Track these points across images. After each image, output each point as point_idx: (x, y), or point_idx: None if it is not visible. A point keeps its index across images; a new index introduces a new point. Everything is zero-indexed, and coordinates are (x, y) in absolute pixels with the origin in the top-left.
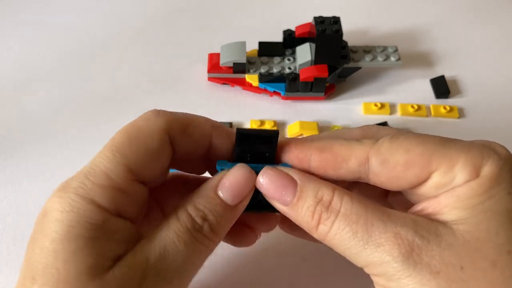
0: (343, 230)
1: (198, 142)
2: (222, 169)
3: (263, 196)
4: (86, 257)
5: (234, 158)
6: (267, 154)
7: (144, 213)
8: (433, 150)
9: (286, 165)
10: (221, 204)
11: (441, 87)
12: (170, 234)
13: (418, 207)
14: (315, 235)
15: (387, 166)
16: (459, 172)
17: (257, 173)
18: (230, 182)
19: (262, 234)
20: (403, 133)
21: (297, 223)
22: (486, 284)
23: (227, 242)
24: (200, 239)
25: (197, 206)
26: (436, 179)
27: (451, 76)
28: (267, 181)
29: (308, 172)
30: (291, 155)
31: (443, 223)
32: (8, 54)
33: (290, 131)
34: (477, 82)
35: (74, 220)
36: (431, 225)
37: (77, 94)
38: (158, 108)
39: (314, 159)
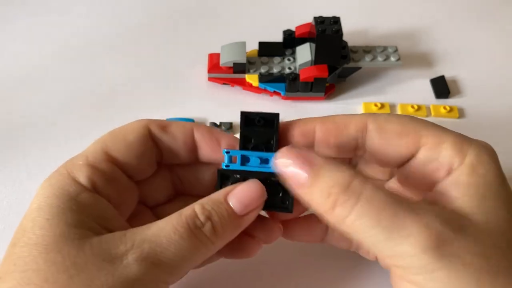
0: (365, 216)
1: (179, 139)
2: (227, 152)
3: (275, 198)
4: (61, 223)
5: (240, 144)
6: (271, 142)
7: (130, 204)
8: (424, 127)
9: None
10: (228, 210)
11: (441, 87)
12: (167, 226)
13: (430, 197)
14: (331, 218)
15: (382, 132)
16: (444, 151)
17: (261, 160)
18: (241, 193)
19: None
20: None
21: (311, 206)
22: (508, 268)
23: (228, 257)
24: (199, 236)
25: (204, 206)
26: (423, 153)
27: (451, 76)
28: (284, 160)
29: (312, 145)
30: (297, 131)
31: (464, 216)
32: (8, 54)
33: None
34: (477, 82)
35: (50, 192)
36: (454, 216)
37: (77, 94)
38: (158, 109)
39: (318, 129)
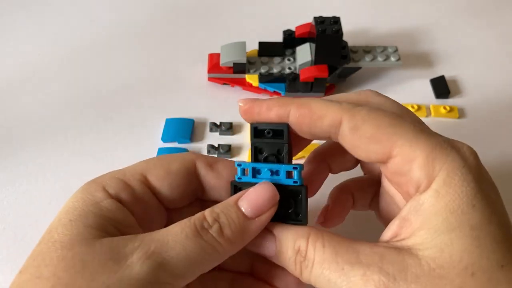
0: (320, 276)
1: (224, 177)
2: (239, 165)
3: (288, 210)
4: (81, 224)
5: (252, 156)
6: (282, 154)
7: (154, 226)
8: (400, 135)
9: (299, 165)
10: (237, 212)
11: (441, 87)
12: (176, 227)
13: (390, 232)
14: (303, 281)
15: (354, 133)
16: (415, 169)
17: (272, 172)
18: (252, 195)
19: None
20: (385, 109)
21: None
22: None
23: None
24: (205, 237)
25: (214, 210)
26: (393, 164)
27: (451, 76)
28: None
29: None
30: (272, 112)
31: (410, 252)
32: (8, 54)
33: None
34: (477, 82)
35: (79, 196)
36: (398, 258)
37: (77, 94)
38: (158, 109)
39: (293, 113)
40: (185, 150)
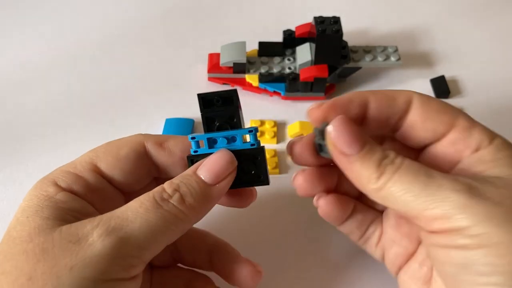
0: (405, 177)
1: (176, 154)
2: (193, 138)
3: (239, 174)
4: (37, 218)
5: (204, 127)
6: (235, 119)
7: (113, 208)
8: (459, 112)
9: (254, 128)
10: (197, 181)
11: (441, 87)
12: (135, 202)
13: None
14: (373, 186)
15: (425, 106)
16: (475, 133)
17: (228, 139)
18: (210, 163)
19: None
20: None
21: (354, 175)
22: None
23: (224, 204)
24: (166, 207)
25: (173, 181)
26: (454, 134)
27: (451, 76)
28: (337, 131)
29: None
30: (356, 101)
31: (491, 177)
32: (8, 53)
33: (290, 131)
34: (477, 82)
35: (33, 194)
36: (482, 177)
37: (77, 94)
38: (158, 109)
39: (371, 99)
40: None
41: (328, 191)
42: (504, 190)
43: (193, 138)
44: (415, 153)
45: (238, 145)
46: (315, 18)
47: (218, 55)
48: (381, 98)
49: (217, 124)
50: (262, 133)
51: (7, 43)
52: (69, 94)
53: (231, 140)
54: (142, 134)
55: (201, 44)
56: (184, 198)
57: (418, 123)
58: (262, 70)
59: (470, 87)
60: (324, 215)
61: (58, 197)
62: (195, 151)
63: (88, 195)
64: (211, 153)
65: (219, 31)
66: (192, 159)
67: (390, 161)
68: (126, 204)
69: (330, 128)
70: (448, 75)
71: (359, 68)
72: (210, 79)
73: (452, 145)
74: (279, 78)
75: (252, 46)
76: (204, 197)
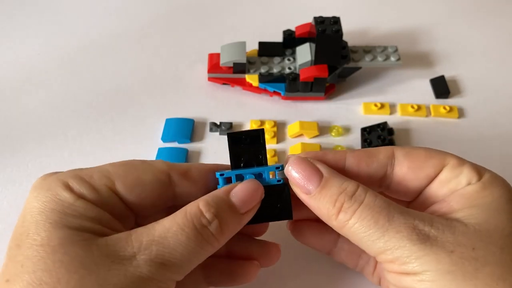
0: (364, 219)
1: (199, 183)
2: (221, 175)
3: (264, 209)
4: (64, 227)
5: (231, 164)
6: (260, 157)
7: (124, 224)
8: (445, 152)
9: (281, 165)
10: (231, 207)
11: (441, 87)
12: (173, 226)
13: (431, 210)
14: (334, 223)
15: (410, 156)
16: (466, 170)
17: (255, 176)
18: (242, 191)
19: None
20: None
21: (316, 212)
22: (495, 263)
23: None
24: (205, 235)
25: (209, 203)
26: (445, 173)
27: (451, 76)
28: (295, 169)
29: (343, 172)
30: (330, 156)
31: (456, 219)
32: (8, 54)
33: (290, 131)
34: (477, 82)
35: (48, 197)
36: (446, 221)
37: (77, 94)
38: (158, 109)
39: (349, 156)
40: (185, 150)
41: (311, 218)
42: (461, 239)
43: (221, 174)
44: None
45: (265, 181)
46: (315, 18)
47: (218, 55)
48: (360, 155)
49: (244, 161)
50: None
51: (7, 43)
52: (69, 94)
53: (258, 176)
54: (164, 161)
55: (201, 44)
56: (222, 227)
57: (408, 175)
58: (262, 70)
59: (470, 87)
60: (299, 240)
61: (78, 204)
62: None
63: (99, 206)
64: None
65: (219, 31)
66: None
67: (349, 196)
68: (163, 225)
69: (288, 169)
70: (448, 75)
71: (359, 68)
72: (210, 79)
73: (444, 185)
74: (279, 78)
75: (252, 46)
76: (235, 225)
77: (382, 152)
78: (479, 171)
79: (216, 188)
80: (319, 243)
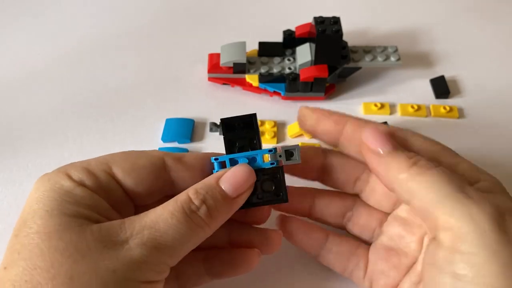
0: (439, 179)
1: (195, 169)
2: (216, 159)
3: (259, 193)
4: (60, 214)
5: (226, 149)
6: (254, 141)
7: (122, 210)
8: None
9: (274, 149)
10: (221, 192)
11: (441, 87)
12: (164, 212)
13: None
14: (404, 175)
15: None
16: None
17: (250, 159)
18: (232, 176)
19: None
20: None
21: (383, 168)
22: None
23: (228, 274)
24: (195, 219)
25: (198, 190)
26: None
27: (451, 76)
28: (371, 134)
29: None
30: (330, 120)
31: None
32: (8, 54)
33: (290, 131)
34: (477, 82)
35: (47, 186)
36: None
37: (77, 94)
38: (158, 109)
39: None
40: (185, 150)
41: (299, 213)
42: None
43: (216, 159)
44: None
45: (258, 165)
46: (315, 18)
47: (218, 55)
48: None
49: (238, 146)
50: (262, 133)
51: (7, 43)
52: (70, 94)
53: (252, 160)
54: (160, 150)
55: (201, 44)
56: (211, 212)
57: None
58: (262, 70)
59: (470, 87)
60: (287, 238)
61: (76, 192)
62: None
63: (98, 192)
64: None
65: (219, 31)
66: None
67: (423, 160)
68: (154, 212)
69: (364, 135)
70: (448, 75)
71: (359, 68)
72: (210, 79)
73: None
74: (279, 78)
75: (252, 46)
76: (225, 210)
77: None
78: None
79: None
80: (307, 243)
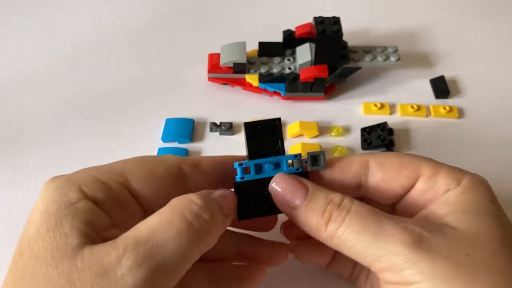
0: (353, 225)
1: (211, 175)
2: (240, 165)
3: (268, 202)
4: (58, 234)
5: (250, 155)
6: (277, 146)
7: (130, 222)
8: (419, 160)
9: (299, 154)
10: (219, 203)
11: (441, 87)
12: (160, 221)
13: (416, 218)
14: (324, 235)
15: (383, 168)
16: (441, 179)
17: (274, 165)
18: (222, 194)
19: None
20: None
21: (304, 226)
22: (491, 270)
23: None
24: (199, 225)
25: (198, 193)
26: (421, 184)
27: (451, 76)
28: (279, 185)
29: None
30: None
31: (444, 225)
32: (8, 54)
33: (290, 131)
34: (477, 82)
35: (52, 197)
36: (435, 224)
37: (77, 94)
38: (158, 109)
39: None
40: (185, 150)
41: (306, 237)
42: (452, 243)
43: (240, 164)
44: (390, 206)
45: (283, 170)
46: (315, 18)
47: (218, 55)
48: (334, 166)
49: (261, 151)
50: None
51: (7, 43)
52: (69, 94)
53: (276, 165)
54: (174, 156)
55: (201, 44)
56: (212, 218)
57: (381, 184)
58: (262, 70)
59: (470, 87)
60: (301, 260)
61: (79, 206)
62: (241, 178)
63: (108, 205)
64: (260, 178)
65: (219, 31)
66: (239, 185)
67: (336, 205)
68: (149, 222)
69: (271, 186)
70: (448, 75)
71: (359, 68)
72: (210, 79)
73: (421, 195)
74: (279, 78)
75: (252, 46)
76: (223, 224)
77: (355, 161)
78: (456, 175)
79: (227, 180)
80: (319, 260)
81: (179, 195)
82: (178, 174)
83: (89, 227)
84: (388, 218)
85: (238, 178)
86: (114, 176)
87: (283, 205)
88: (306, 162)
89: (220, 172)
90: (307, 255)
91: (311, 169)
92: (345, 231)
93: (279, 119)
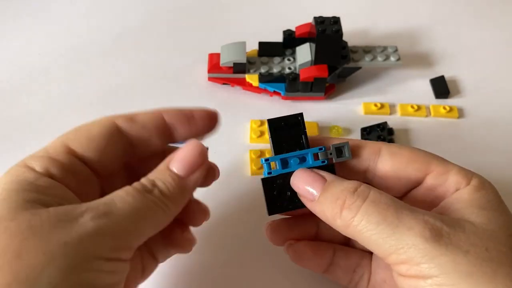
0: (371, 215)
1: (149, 125)
2: (266, 160)
3: (295, 196)
4: (18, 198)
5: (274, 150)
6: (302, 141)
7: (90, 197)
8: (432, 157)
9: (324, 147)
10: (171, 175)
11: (441, 87)
12: (119, 192)
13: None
14: (339, 222)
15: (394, 157)
16: (452, 177)
17: (300, 159)
18: (181, 156)
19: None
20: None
21: (322, 216)
22: (510, 264)
23: (170, 252)
24: (150, 198)
25: (149, 177)
26: (431, 180)
27: (451, 76)
28: (298, 178)
29: None
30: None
31: (463, 219)
32: (9, 54)
33: None
34: (477, 82)
35: (8, 179)
36: (454, 219)
37: (77, 94)
38: (159, 107)
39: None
40: None
41: (306, 238)
42: (473, 237)
43: (266, 160)
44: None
45: (309, 163)
46: (315, 18)
47: (218, 55)
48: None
49: (286, 146)
50: (262, 133)
51: (7, 43)
52: (69, 94)
53: (302, 160)
54: (111, 115)
55: (201, 44)
56: (164, 193)
57: (389, 173)
58: (262, 70)
59: (470, 87)
60: (297, 263)
61: (39, 182)
62: (269, 173)
63: (65, 178)
64: (285, 173)
65: (219, 31)
66: (266, 181)
67: (350, 192)
68: (110, 194)
69: (292, 181)
70: (448, 75)
71: (359, 68)
72: (210, 79)
73: (431, 191)
74: (279, 78)
75: (252, 46)
76: (180, 190)
77: (368, 146)
78: (467, 175)
79: (165, 129)
80: (315, 263)
81: (124, 152)
82: (116, 130)
83: (53, 201)
84: (407, 209)
85: (265, 173)
86: (59, 148)
87: (304, 198)
88: (331, 154)
89: (158, 125)
90: (303, 257)
91: (337, 160)
92: (361, 221)
93: (301, 114)
